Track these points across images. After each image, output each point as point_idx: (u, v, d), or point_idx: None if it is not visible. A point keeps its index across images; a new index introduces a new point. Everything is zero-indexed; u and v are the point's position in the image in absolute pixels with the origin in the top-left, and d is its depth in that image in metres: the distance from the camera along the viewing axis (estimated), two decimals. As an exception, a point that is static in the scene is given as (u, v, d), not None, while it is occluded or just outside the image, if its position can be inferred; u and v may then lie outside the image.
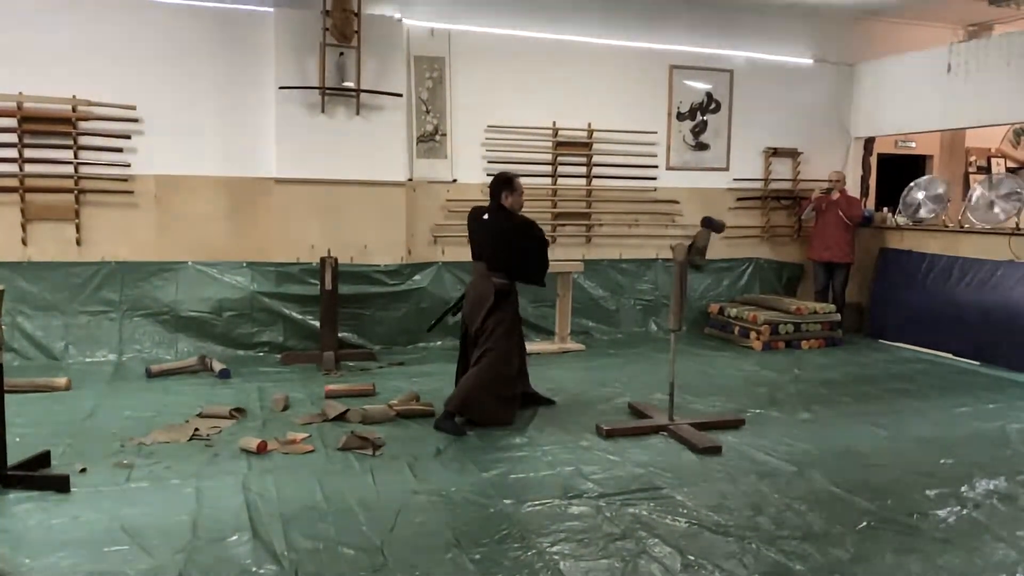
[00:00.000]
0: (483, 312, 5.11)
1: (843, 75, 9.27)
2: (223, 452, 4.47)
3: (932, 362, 7.47)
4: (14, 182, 6.64)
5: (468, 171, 7.85)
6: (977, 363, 7.34)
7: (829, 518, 3.75)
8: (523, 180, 7.78)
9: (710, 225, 5.27)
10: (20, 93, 6.59)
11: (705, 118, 8.76)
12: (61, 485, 3.85)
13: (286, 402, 5.46)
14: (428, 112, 7.73)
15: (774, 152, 9.06)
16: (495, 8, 7.67)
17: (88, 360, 6.66)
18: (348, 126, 7.28)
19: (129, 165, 6.93)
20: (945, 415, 5.64)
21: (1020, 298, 7.17)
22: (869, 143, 9.48)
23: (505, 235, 5.14)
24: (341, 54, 7.12)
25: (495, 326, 5.10)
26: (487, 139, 7.91)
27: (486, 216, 5.26)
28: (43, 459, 4.16)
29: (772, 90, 8.94)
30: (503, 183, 5.25)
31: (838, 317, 8.20)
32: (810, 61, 9.11)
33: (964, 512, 3.86)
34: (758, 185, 9.04)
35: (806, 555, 3.36)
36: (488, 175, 7.83)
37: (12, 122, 6.59)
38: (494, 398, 5.09)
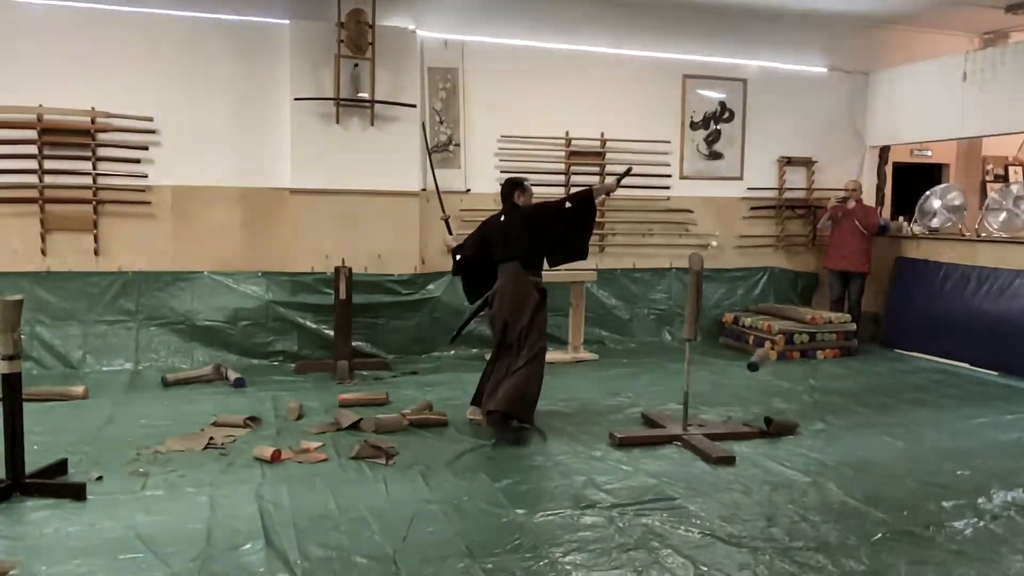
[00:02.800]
0: (529, 311, 5.08)
1: (857, 84, 9.24)
2: (237, 461, 4.50)
3: (949, 372, 7.40)
4: (34, 193, 6.72)
5: (481, 181, 7.88)
6: (995, 373, 7.26)
7: (844, 529, 3.72)
8: (536, 190, 7.89)
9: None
10: (40, 105, 6.68)
11: (719, 127, 8.76)
12: (78, 493, 3.88)
13: (300, 411, 5.49)
14: (442, 122, 7.77)
15: (788, 161, 9.04)
16: (508, 19, 7.71)
17: (105, 369, 6.72)
18: (362, 136, 7.33)
19: (146, 176, 7.00)
20: (962, 426, 5.58)
21: (1038, 307, 7.11)
22: (884, 152, 9.45)
23: (533, 219, 5.19)
24: (356, 65, 7.18)
25: (541, 326, 5.14)
26: (500, 149, 7.94)
27: (503, 217, 5.28)
28: (60, 467, 4.19)
29: (786, 99, 8.93)
30: (515, 184, 5.38)
31: (853, 327, 8.15)
32: (824, 70, 9.10)
33: (981, 524, 3.82)
34: (772, 194, 9.02)
35: (820, 567, 3.34)
36: (501, 185, 7.89)
37: (32, 134, 6.67)
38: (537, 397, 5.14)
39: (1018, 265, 7.41)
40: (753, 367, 5.76)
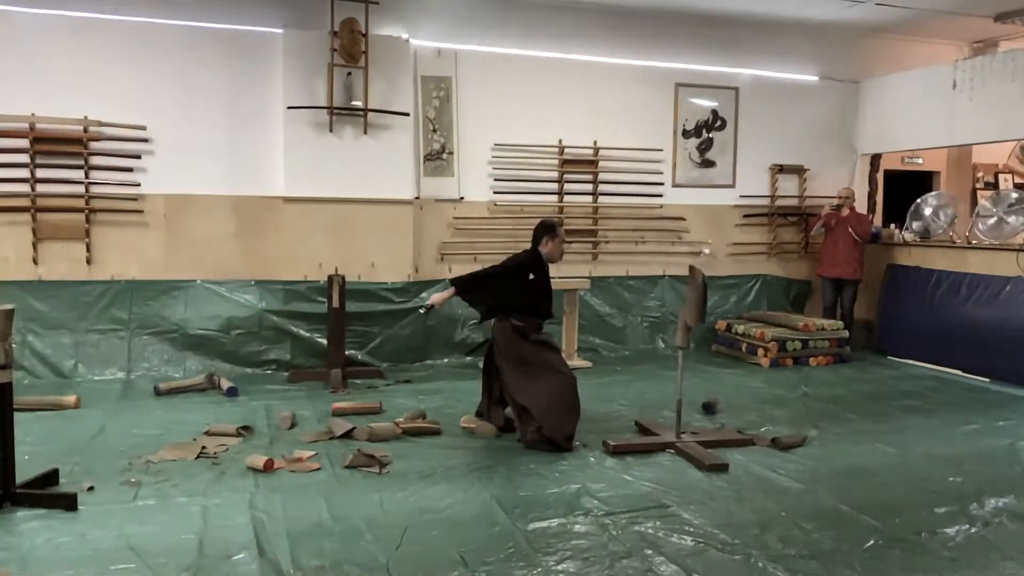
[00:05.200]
0: (507, 344, 5.15)
1: (849, 92, 9.30)
2: (230, 470, 4.48)
3: (941, 379, 7.43)
4: (26, 202, 6.71)
5: (475, 189, 7.89)
6: (986, 380, 7.30)
7: (836, 536, 3.73)
8: (529, 198, 7.96)
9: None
10: (32, 114, 6.68)
11: (711, 135, 8.79)
12: (69, 503, 3.86)
13: (293, 420, 5.47)
14: (435, 131, 7.79)
15: (780, 169, 9.08)
16: (501, 28, 7.74)
17: (97, 378, 6.70)
18: (356, 145, 7.34)
19: (139, 184, 7.00)
20: (954, 432, 5.60)
21: (1029, 314, 7.13)
22: (876, 159, 9.50)
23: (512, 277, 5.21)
24: (349, 74, 7.19)
25: (535, 353, 5.11)
26: (493, 157, 7.96)
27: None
28: (51, 477, 4.17)
29: (778, 107, 8.98)
30: (546, 229, 5.27)
31: (846, 334, 8.18)
32: (815, 78, 9.15)
33: (973, 530, 3.84)
34: (765, 202, 9.05)
35: (813, 574, 3.34)
36: (495, 192, 7.94)
37: (24, 143, 6.67)
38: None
39: (1008, 272, 7.45)
40: (710, 408, 5.89)
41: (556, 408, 4.97)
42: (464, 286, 5.27)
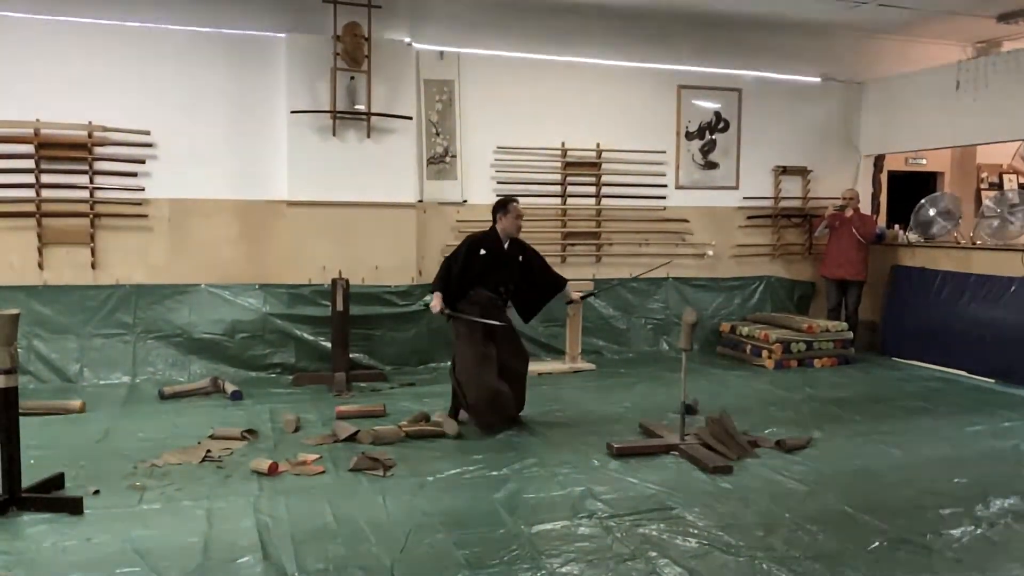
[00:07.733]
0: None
1: (851, 93, 9.29)
2: (235, 474, 4.49)
3: (946, 380, 7.41)
4: (31, 207, 6.73)
5: (478, 192, 7.90)
6: (992, 381, 7.28)
7: (841, 538, 3.72)
8: (533, 200, 7.96)
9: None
10: (37, 120, 6.70)
11: (714, 137, 8.79)
12: (74, 507, 3.87)
13: (297, 423, 5.48)
14: (438, 134, 7.80)
15: (784, 170, 9.07)
16: (503, 31, 7.75)
17: (102, 382, 6.71)
18: (359, 149, 7.35)
19: (143, 189, 7.02)
20: (959, 434, 5.59)
21: (1034, 315, 7.12)
22: (879, 160, 9.48)
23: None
24: (352, 78, 7.21)
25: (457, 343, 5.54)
26: (496, 160, 7.97)
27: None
28: (57, 481, 4.18)
29: (781, 108, 8.98)
30: (498, 206, 5.63)
31: (850, 335, 8.16)
32: (818, 79, 9.14)
33: (978, 532, 3.83)
34: (768, 203, 9.05)
35: None
36: (498, 195, 7.92)
37: (29, 148, 6.69)
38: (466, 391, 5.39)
39: (1013, 272, 7.44)
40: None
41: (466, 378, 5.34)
42: (440, 283, 5.58)
